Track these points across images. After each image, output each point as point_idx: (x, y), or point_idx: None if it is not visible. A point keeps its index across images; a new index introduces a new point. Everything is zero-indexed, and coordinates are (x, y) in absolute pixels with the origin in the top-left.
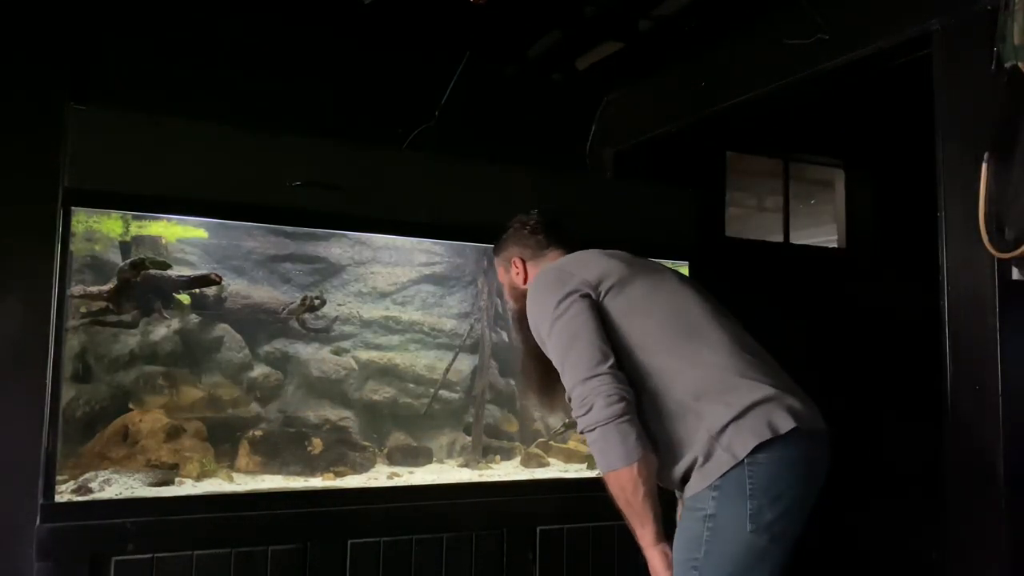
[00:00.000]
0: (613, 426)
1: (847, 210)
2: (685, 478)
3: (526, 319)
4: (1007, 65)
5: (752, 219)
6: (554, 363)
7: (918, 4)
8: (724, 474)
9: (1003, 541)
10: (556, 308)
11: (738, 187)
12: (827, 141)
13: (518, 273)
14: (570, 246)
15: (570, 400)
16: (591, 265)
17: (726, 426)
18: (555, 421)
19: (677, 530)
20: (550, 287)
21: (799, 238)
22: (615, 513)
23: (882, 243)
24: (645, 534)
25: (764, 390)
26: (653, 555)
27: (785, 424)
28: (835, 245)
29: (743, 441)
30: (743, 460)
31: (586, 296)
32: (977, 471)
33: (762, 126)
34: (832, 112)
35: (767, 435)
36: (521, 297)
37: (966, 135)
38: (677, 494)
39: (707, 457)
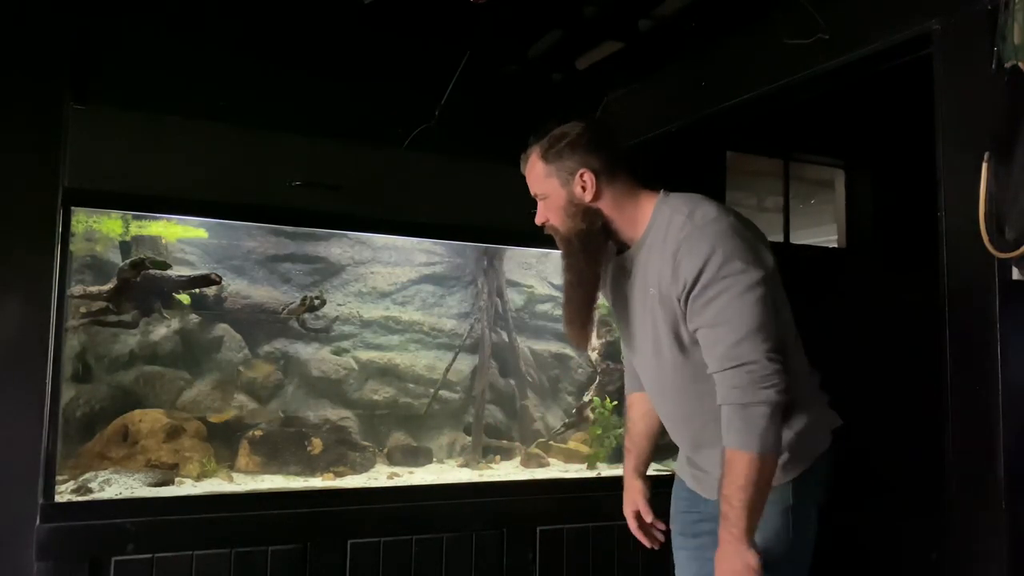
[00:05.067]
0: (778, 415)
1: (847, 210)
2: None
3: (589, 239)
4: (1007, 65)
5: (752, 219)
6: (708, 317)
7: (918, 4)
8: (806, 469)
9: (1003, 541)
10: (753, 276)
11: (738, 187)
12: (827, 141)
13: (584, 188)
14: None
15: (735, 361)
16: (767, 247)
17: (809, 426)
18: (555, 421)
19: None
20: (748, 250)
21: (799, 238)
22: (615, 513)
23: (882, 243)
24: (751, 527)
25: (824, 395)
26: (746, 550)
27: (835, 422)
28: (835, 245)
29: (822, 440)
30: (818, 456)
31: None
32: (977, 471)
33: (762, 126)
34: (832, 112)
35: (830, 434)
36: (579, 215)
37: (966, 135)
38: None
39: (793, 453)
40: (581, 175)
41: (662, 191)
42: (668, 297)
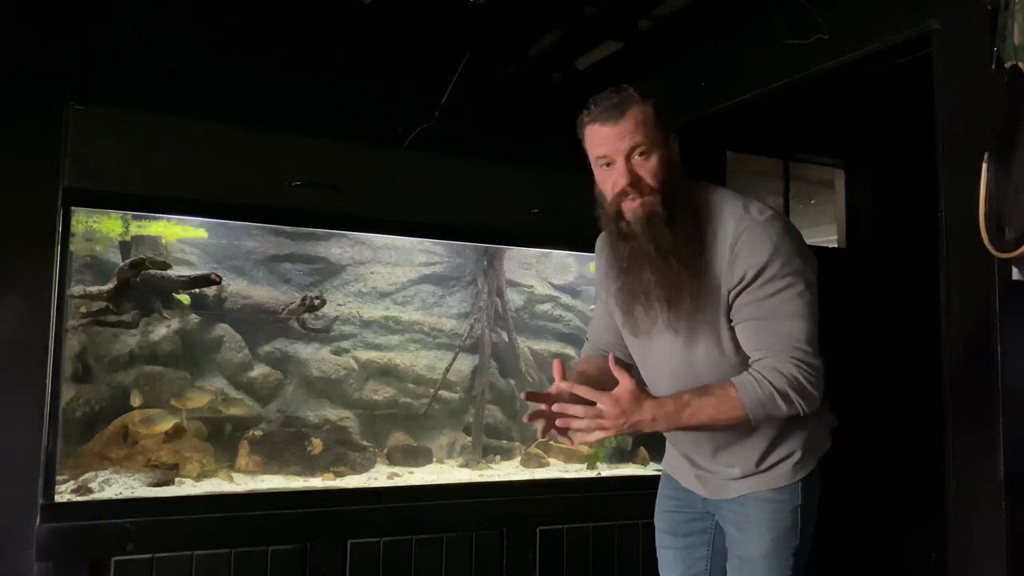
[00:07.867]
0: (794, 412)
1: (847, 210)
2: (765, 466)
3: (686, 207)
4: (1007, 65)
5: None
6: (764, 311)
7: (918, 4)
8: (812, 469)
9: (1003, 541)
10: (810, 277)
11: (738, 187)
12: (827, 141)
13: (677, 156)
14: None
15: (790, 353)
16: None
17: (818, 429)
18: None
19: (761, 524)
20: (803, 252)
21: None
22: (615, 513)
23: (882, 243)
24: (678, 426)
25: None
26: (652, 421)
27: (833, 422)
28: (835, 245)
29: (826, 440)
30: (821, 456)
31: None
32: (977, 471)
33: (762, 126)
34: (832, 112)
35: (830, 434)
36: (680, 182)
37: (966, 135)
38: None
39: (804, 454)
40: (675, 140)
41: (701, 181)
42: (715, 288)
